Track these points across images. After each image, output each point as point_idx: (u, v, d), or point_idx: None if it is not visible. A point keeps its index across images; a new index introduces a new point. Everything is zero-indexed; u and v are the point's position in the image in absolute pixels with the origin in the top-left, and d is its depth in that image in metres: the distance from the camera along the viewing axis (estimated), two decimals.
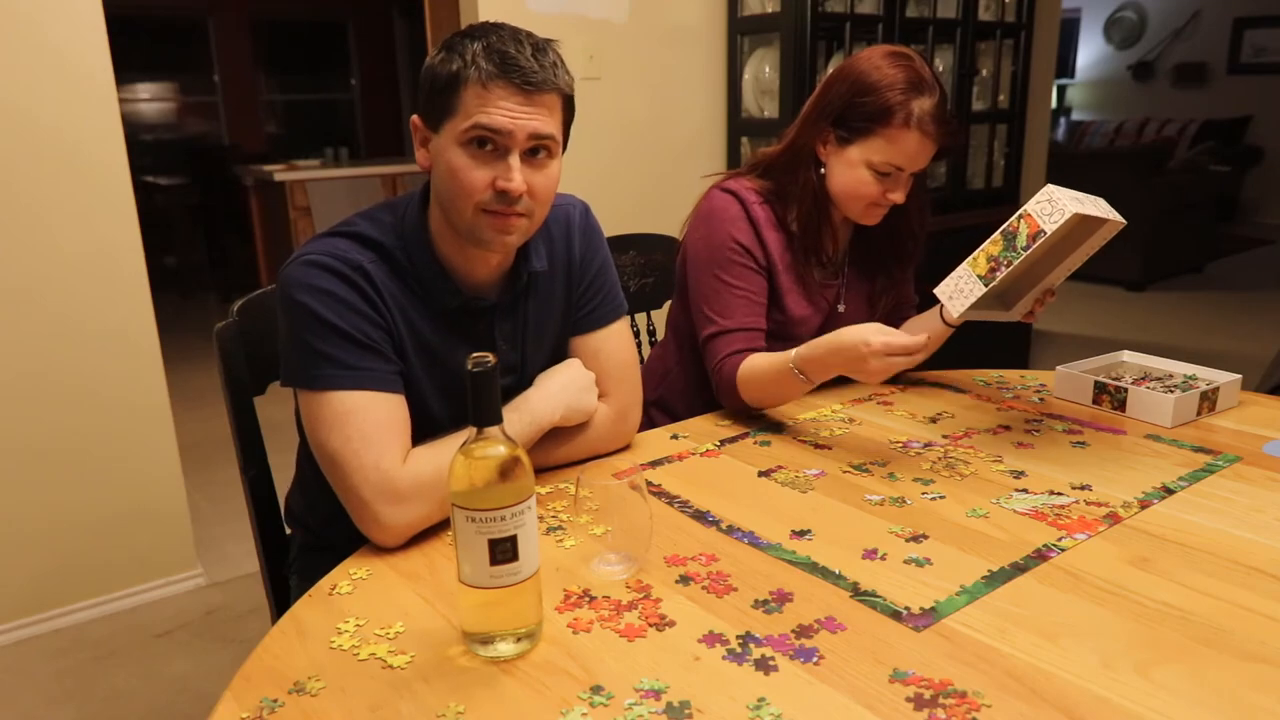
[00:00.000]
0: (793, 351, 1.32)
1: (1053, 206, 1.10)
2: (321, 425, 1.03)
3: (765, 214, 1.45)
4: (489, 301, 1.15)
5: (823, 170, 1.44)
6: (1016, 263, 1.14)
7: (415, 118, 1.08)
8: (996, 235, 1.15)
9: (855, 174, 1.40)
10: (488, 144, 1.02)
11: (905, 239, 1.53)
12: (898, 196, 1.39)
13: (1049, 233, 1.11)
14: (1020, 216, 1.13)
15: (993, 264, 1.15)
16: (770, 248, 1.45)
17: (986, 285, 1.16)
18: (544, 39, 1.06)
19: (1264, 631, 0.84)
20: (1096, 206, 1.19)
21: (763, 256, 1.45)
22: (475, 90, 1.01)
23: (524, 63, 1.01)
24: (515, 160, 1.02)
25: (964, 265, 1.18)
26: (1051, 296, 1.34)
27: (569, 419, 1.19)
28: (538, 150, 1.04)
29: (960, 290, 1.18)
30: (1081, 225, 1.19)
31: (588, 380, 1.22)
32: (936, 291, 1.22)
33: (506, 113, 1.01)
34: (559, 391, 1.18)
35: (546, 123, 1.03)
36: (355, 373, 1.03)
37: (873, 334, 1.22)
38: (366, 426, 1.02)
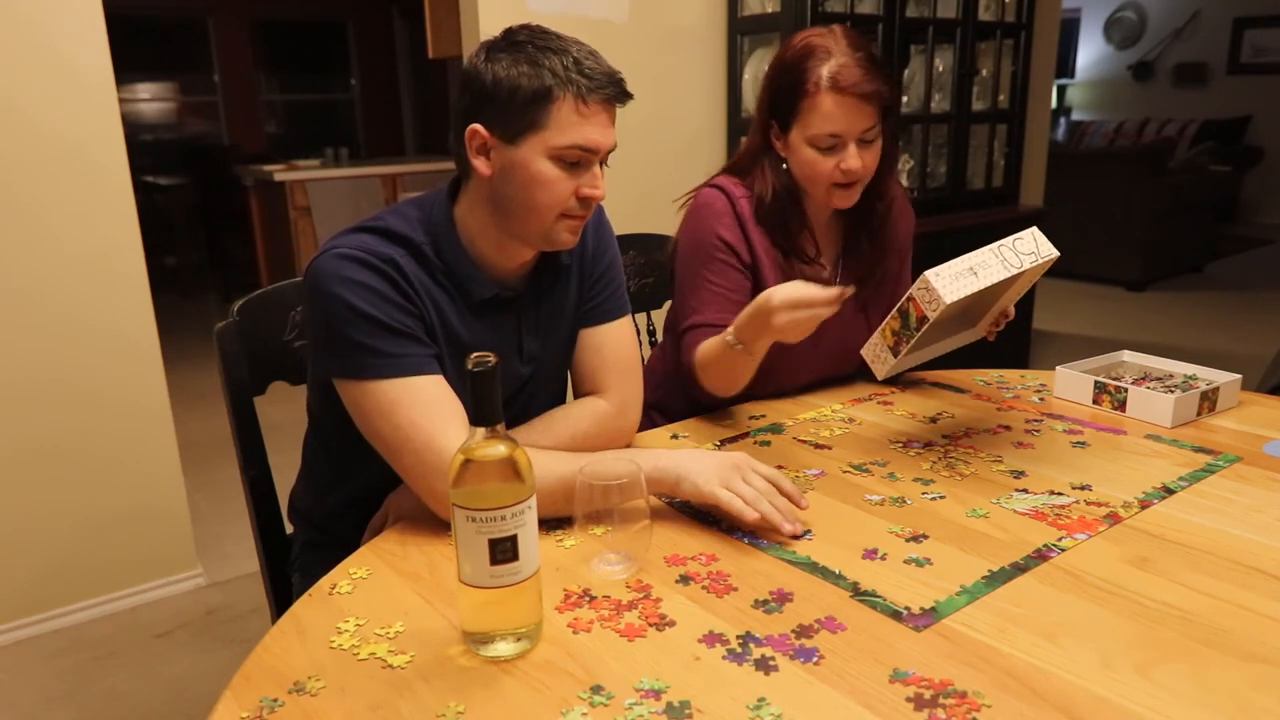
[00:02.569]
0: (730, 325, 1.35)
1: (930, 296, 1.14)
2: (371, 415, 1.06)
3: (750, 210, 1.47)
4: (517, 292, 1.18)
5: (785, 166, 1.46)
6: (914, 340, 1.19)
7: (477, 127, 1.06)
8: (895, 311, 1.20)
9: (802, 155, 1.41)
10: (580, 160, 1.07)
11: (874, 211, 1.51)
12: (851, 164, 1.38)
13: (931, 319, 1.15)
14: (909, 299, 1.17)
15: (896, 338, 1.21)
16: (755, 243, 1.46)
17: (895, 355, 1.22)
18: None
19: (1264, 631, 0.84)
20: (1005, 259, 1.18)
21: (747, 253, 1.46)
22: (574, 106, 1.04)
23: (612, 79, 1.06)
24: (598, 170, 1.09)
25: (876, 334, 1.24)
26: (1007, 317, 1.37)
27: (658, 482, 1.07)
28: (606, 157, 1.10)
29: (878, 357, 1.25)
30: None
31: (724, 467, 1.06)
32: (862, 353, 1.27)
33: (600, 130, 1.06)
34: (686, 457, 1.07)
35: (614, 131, 1.09)
36: (396, 360, 1.05)
37: (778, 289, 1.23)
38: (415, 412, 1.04)
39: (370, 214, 1.17)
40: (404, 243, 1.10)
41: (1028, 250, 1.20)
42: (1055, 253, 1.22)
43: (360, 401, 1.06)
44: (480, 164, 1.08)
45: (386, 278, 1.07)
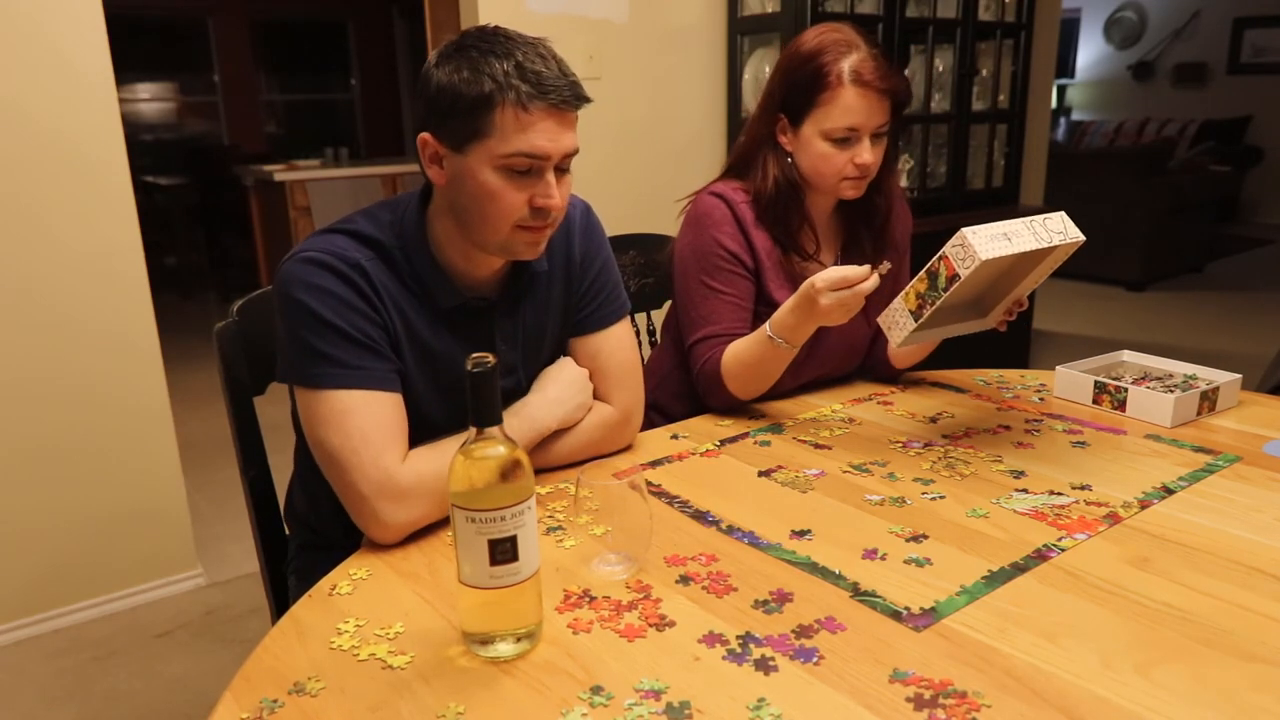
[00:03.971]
0: (766, 323, 1.37)
1: (965, 252, 1.13)
2: (320, 423, 1.03)
3: (751, 214, 1.47)
4: (489, 301, 1.15)
5: (790, 160, 1.46)
6: (939, 301, 1.17)
7: (426, 136, 1.04)
8: (923, 273, 1.18)
9: (815, 149, 1.41)
10: (528, 168, 1.02)
11: (877, 209, 1.52)
12: (866, 158, 1.39)
13: (963, 277, 1.14)
14: (940, 258, 1.16)
15: (920, 301, 1.20)
16: (757, 245, 1.46)
17: (916, 320, 1.20)
18: (545, 41, 1.05)
19: (1264, 631, 0.84)
20: (1036, 233, 1.19)
21: (749, 258, 1.46)
22: (514, 114, 0.99)
23: (559, 82, 1.00)
24: (552, 178, 1.03)
25: (899, 299, 1.22)
26: (1021, 306, 1.36)
27: (566, 423, 1.20)
28: (564, 163, 1.05)
29: (896, 323, 1.23)
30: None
31: (584, 382, 1.23)
32: (879, 321, 1.26)
33: (547, 135, 1.00)
34: (557, 398, 1.19)
35: (575, 137, 1.04)
36: (354, 372, 1.03)
37: (818, 276, 1.27)
38: (366, 425, 1.02)
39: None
40: (374, 245, 1.08)
41: (1057, 229, 1.21)
42: (1081, 237, 1.22)
43: (314, 409, 1.03)
44: (434, 173, 1.06)
45: (352, 285, 1.05)
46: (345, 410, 1.02)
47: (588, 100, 1.04)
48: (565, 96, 1.01)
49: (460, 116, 1.00)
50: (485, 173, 1.02)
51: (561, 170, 1.05)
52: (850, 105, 1.36)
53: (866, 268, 1.26)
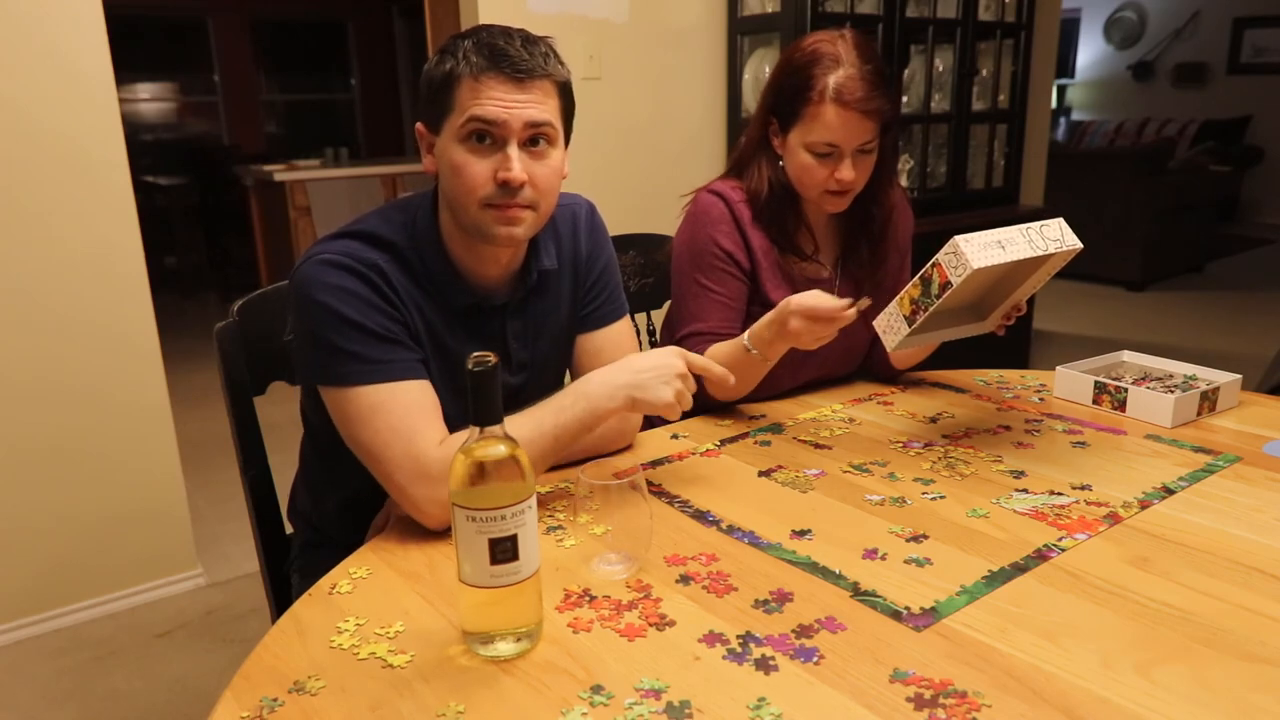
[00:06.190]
0: (745, 331, 1.37)
1: (958, 260, 1.13)
2: (353, 421, 1.04)
3: (749, 213, 1.47)
4: (500, 300, 1.16)
5: (781, 163, 1.46)
6: (932, 308, 1.17)
7: (419, 125, 1.09)
8: (916, 279, 1.18)
9: (799, 159, 1.41)
10: (486, 137, 1.03)
11: (873, 219, 1.52)
12: (846, 174, 1.38)
13: (955, 285, 1.14)
14: (934, 265, 1.16)
15: (914, 306, 1.19)
16: (754, 245, 1.46)
17: (910, 325, 1.20)
18: (537, 35, 1.07)
19: (1264, 631, 0.83)
20: (1032, 240, 1.18)
21: (746, 258, 1.46)
22: (469, 84, 1.02)
23: (513, 52, 1.02)
24: (514, 150, 1.03)
25: (893, 303, 1.22)
26: (1019, 310, 1.35)
27: (638, 408, 1.12)
28: (536, 140, 1.05)
29: (891, 327, 1.23)
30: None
31: (669, 372, 1.11)
32: (874, 324, 1.26)
33: (500, 103, 1.01)
34: (627, 380, 1.10)
35: (542, 109, 1.04)
36: (380, 366, 1.04)
37: (795, 297, 1.28)
38: (394, 418, 1.03)
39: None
40: (388, 247, 1.09)
41: (1054, 237, 1.20)
42: (1079, 244, 1.21)
43: (343, 408, 1.05)
44: (428, 162, 1.09)
45: (370, 283, 1.05)
46: (374, 405, 1.03)
47: (551, 76, 1.04)
48: (520, 66, 1.01)
49: (434, 98, 1.05)
50: (452, 148, 1.04)
51: (533, 144, 1.04)
52: (830, 123, 1.36)
53: (845, 302, 1.26)
